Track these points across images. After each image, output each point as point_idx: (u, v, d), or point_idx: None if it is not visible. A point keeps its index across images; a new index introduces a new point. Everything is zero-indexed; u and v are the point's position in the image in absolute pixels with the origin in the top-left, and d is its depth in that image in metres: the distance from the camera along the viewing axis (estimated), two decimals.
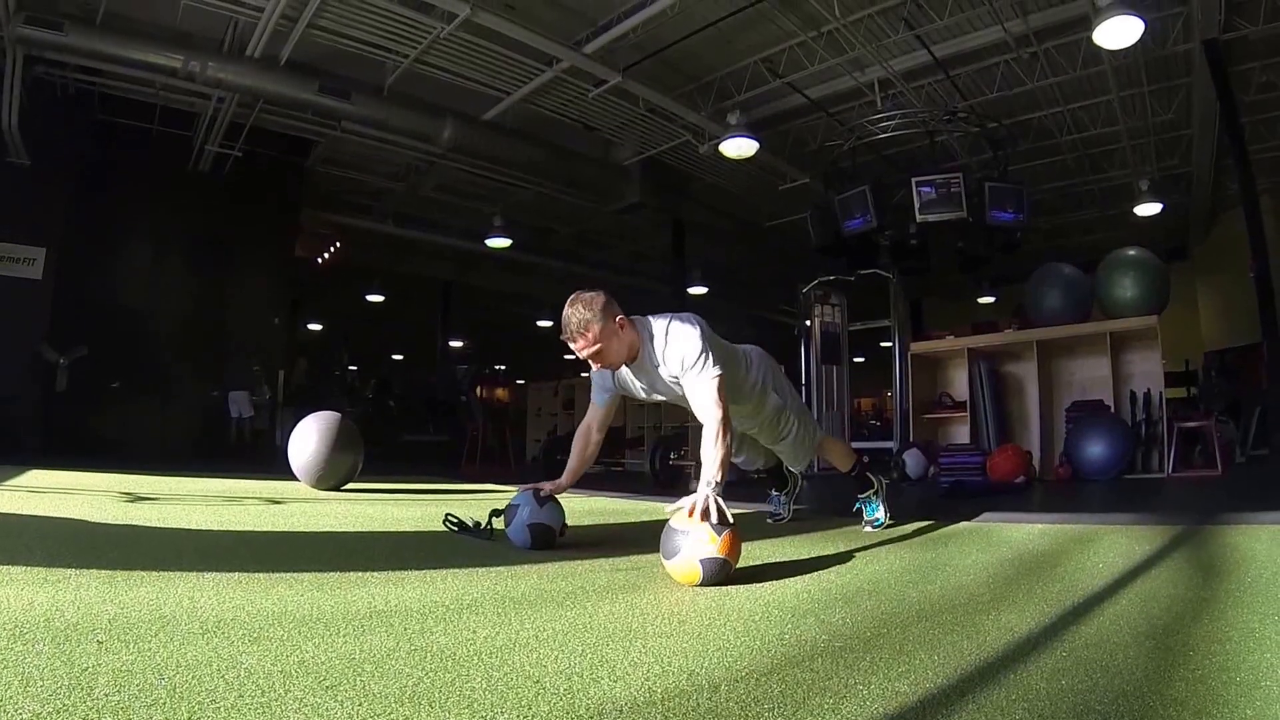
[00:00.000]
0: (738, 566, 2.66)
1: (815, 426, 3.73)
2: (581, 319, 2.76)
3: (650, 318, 3.03)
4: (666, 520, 2.57)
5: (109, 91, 10.03)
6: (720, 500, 2.56)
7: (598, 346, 2.79)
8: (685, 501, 2.56)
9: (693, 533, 2.47)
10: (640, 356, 2.98)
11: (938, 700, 1.36)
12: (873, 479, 3.97)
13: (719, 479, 2.67)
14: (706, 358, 2.87)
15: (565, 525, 3.25)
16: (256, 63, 8.91)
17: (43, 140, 9.64)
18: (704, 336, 2.93)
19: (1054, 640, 1.77)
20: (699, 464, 2.79)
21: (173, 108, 10.59)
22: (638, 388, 3.16)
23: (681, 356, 2.88)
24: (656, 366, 2.97)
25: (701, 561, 2.44)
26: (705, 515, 2.48)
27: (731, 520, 2.53)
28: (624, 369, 3.06)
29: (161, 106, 10.52)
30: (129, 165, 10.71)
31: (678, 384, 3.00)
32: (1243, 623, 1.89)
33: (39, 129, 9.48)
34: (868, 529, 3.90)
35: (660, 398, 3.21)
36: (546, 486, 3.24)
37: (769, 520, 4.30)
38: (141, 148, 10.80)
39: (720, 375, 2.89)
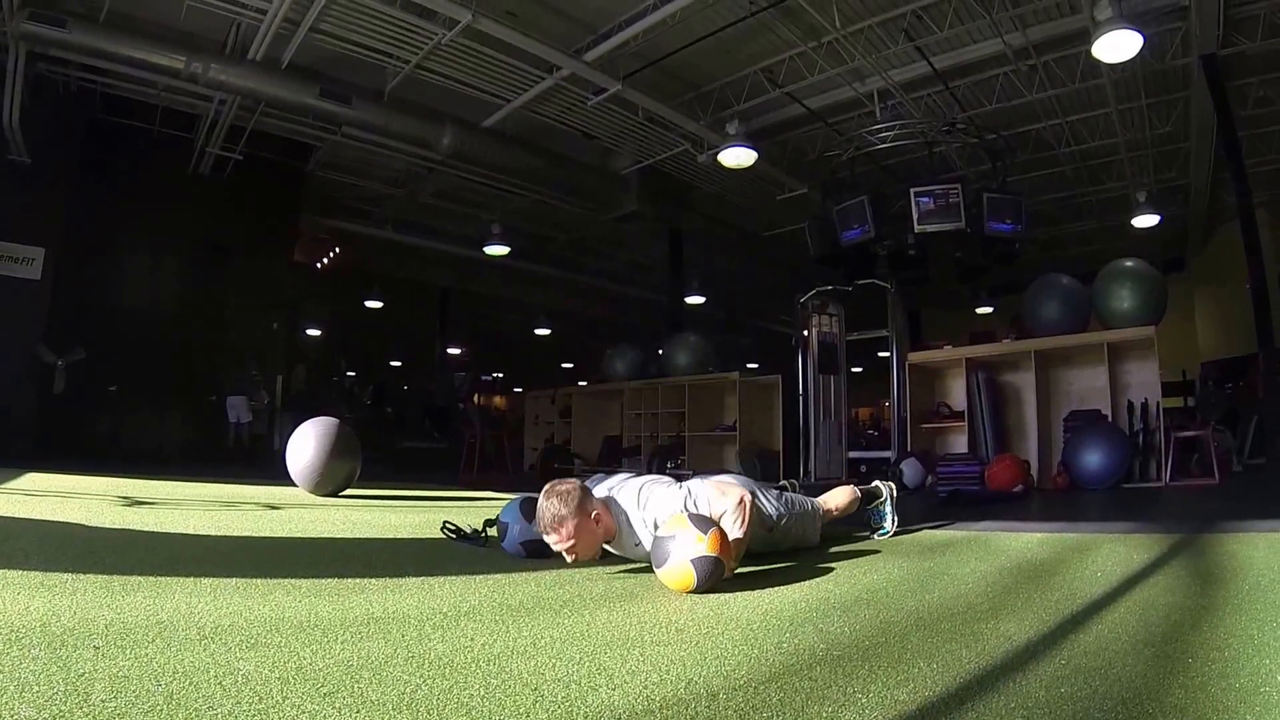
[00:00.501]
0: (734, 574, 2.66)
1: (805, 504, 3.63)
2: (556, 514, 2.76)
3: (620, 497, 3.02)
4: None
5: (111, 91, 10.03)
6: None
7: (573, 541, 2.80)
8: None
9: (679, 535, 2.48)
10: (618, 539, 2.99)
11: (937, 709, 1.36)
12: (881, 487, 3.97)
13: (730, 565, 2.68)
14: (688, 495, 2.94)
15: None
16: (258, 65, 8.92)
17: (43, 138, 9.62)
18: (673, 486, 3.02)
19: (1053, 648, 1.76)
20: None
21: (174, 109, 10.60)
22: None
23: (669, 510, 2.88)
24: (637, 545, 2.96)
25: (693, 562, 2.43)
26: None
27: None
28: (608, 547, 3.06)
29: (163, 108, 10.53)
30: (129, 166, 10.70)
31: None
32: (1241, 630, 1.89)
33: (40, 127, 9.46)
34: (875, 535, 3.91)
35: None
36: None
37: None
38: (142, 149, 10.80)
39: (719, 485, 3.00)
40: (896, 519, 3.97)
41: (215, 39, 8.89)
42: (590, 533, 2.84)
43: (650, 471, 8.84)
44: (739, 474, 3.59)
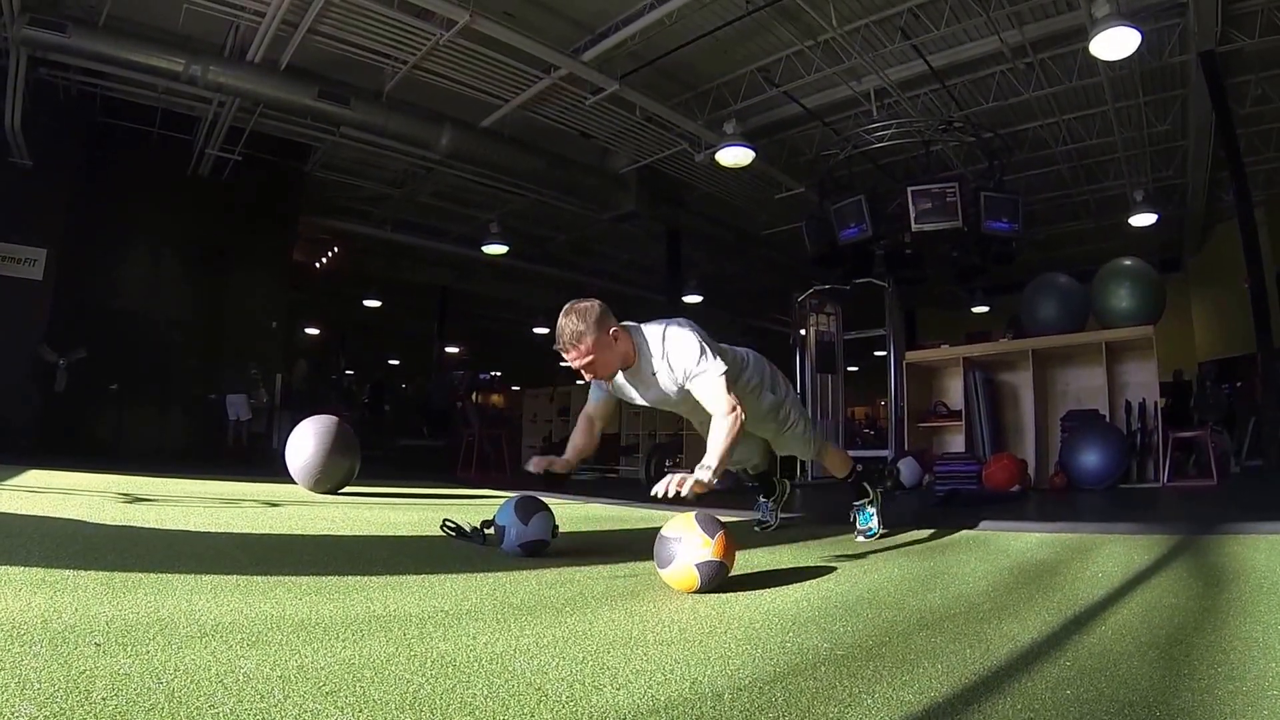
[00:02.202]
0: (735, 573, 2.66)
1: (813, 423, 3.73)
2: (575, 330, 2.74)
3: (644, 326, 3.03)
4: (660, 528, 2.56)
5: (111, 94, 10.03)
6: (712, 481, 2.57)
7: (590, 358, 2.78)
8: (673, 479, 2.53)
9: (685, 538, 2.46)
10: (636, 365, 2.97)
11: (943, 710, 1.36)
12: (868, 489, 3.96)
13: (715, 465, 2.66)
14: (708, 357, 2.89)
15: (557, 527, 3.22)
16: (257, 67, 8.91)
17: (44, 142, 9.63)
18: (701, 339, 2.95)
19: (1057, 650, 1.76)
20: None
21: (174, 111, 10.60)
22: (634, 394, 3.15)
23: (684, 361, 2.89)
24: (654, 374, 2.96)
25: (697, 566, 2.43)
26: (679, 485, 2.49)
27: (715, 484, 2.59)
28: (620, 377, 3.05)
29: (162, 110, 10.54)
30: (130, 168, 10.72)
31: (676, 391, 3.00)
32: (1245, 632, 1.89)
33: (41, 130, 9.47)
34: (860, 538, 3.89)
35: (654, 404, 3.21)
36: (558, 464, 3.21)
37: (756, 528, 4.28)
38: (142, 151, 10.81)
39: (726, 371, 2.91)
40: (881, 522, 3.96)
41: (214, 41, 8.87)
42: (609, 350, 2.83)
43: (649, 470, 8.86)
44: (759, 354, 3.56)
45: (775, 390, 3.53)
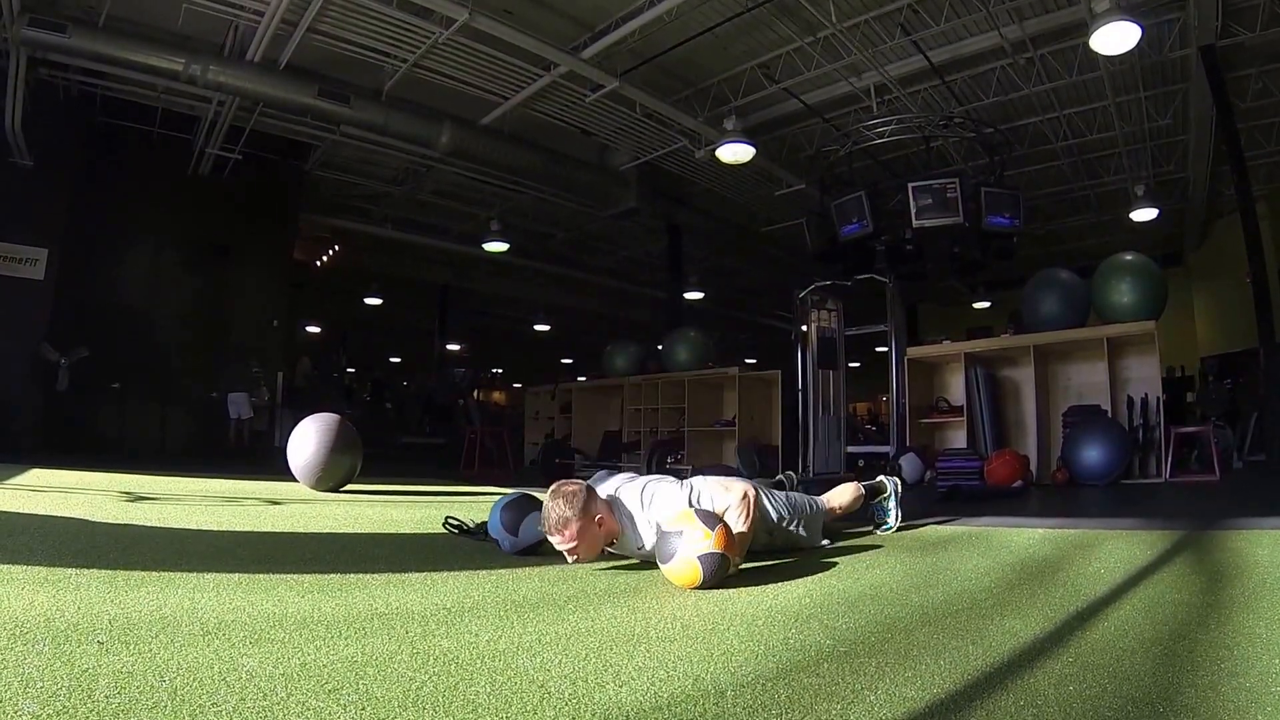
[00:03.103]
0: (739, 570, 2.66)
1: (808, 504, 3.60)
2: (561, 516, 2.76)
3: (621, 495, 3.03)
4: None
5: (111, 94, 10.03)
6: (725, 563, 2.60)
7: (575, 543, 2.79)
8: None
9: (686, 531, 2.48)
10: (621, 539, 2.99)
11: (946, 706, 1.36)
12: (886, 483, 3.97)
13: (739, 559, 2.73)
14: (700, 489, 3.01)
15: None
16: (257, 66, 8.90)
17: (45, 142, 9.65)
18: (675, 483, 3.06)
19: (1060, 646, 1.76)
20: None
21: (174, 111, 10.62)
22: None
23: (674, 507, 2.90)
24: (640, 548, 2.95)
25: (700, 559, 2.43)
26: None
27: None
28: (609, 549, 3.06)
29: (162, 110, 10.56)
30: (130, 168, 10.78)
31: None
32: (1249, 628, 1.89)
33: (41, 131, 9.50)
34: (878, 531, 3.90)
35: None
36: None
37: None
38: (143, 150, 10.87)
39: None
40: (900, 514, 3.97)
41: (213, 41, 8.87)
42: (593, 535, 2.84)
43: (650, 466, 8.86)
44: (739, 470, 3.57)
45: (773, 504, 3.41)
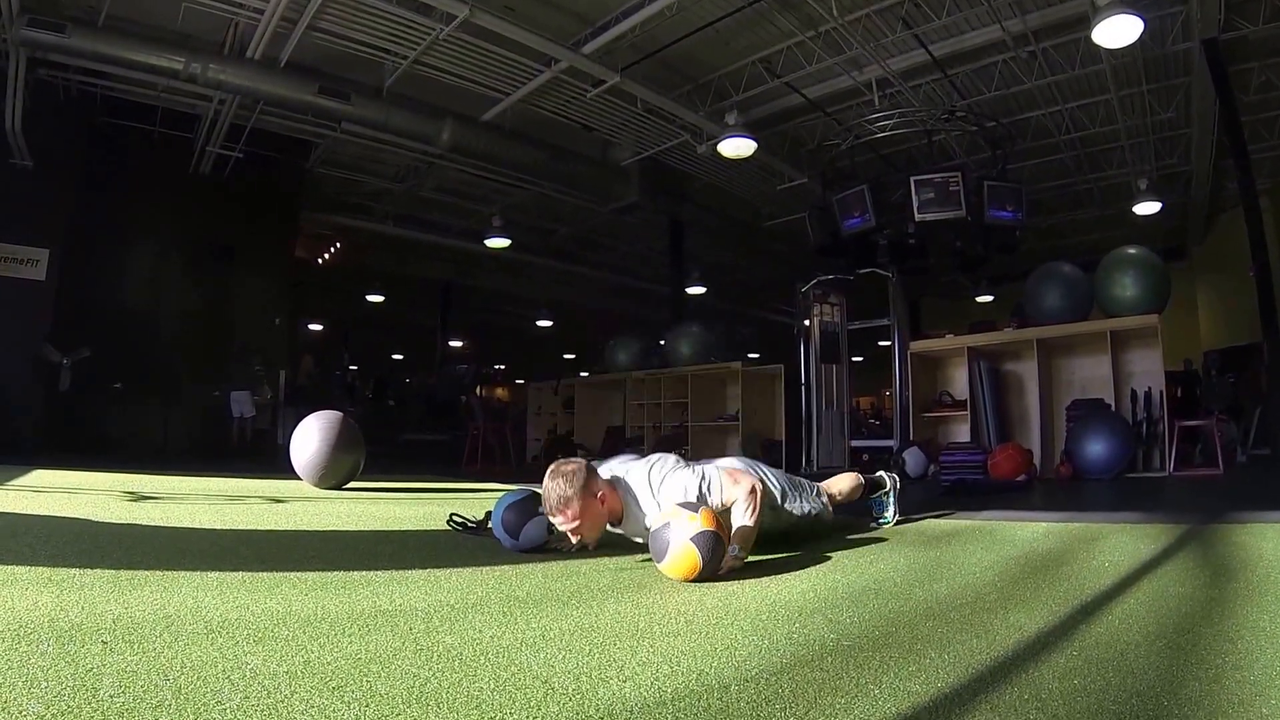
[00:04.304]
0: (745, 563, 2.65)
1: (808, 487, 3.62)
2: (561, 495, 2.73)
3: (628, 475, 3.00)
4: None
5: (111, 94, 10.06)
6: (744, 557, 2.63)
7: (578, 522, 2.78)
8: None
9: (674, 522, 2.47)
10: (625, 518, 2.97)
11: (951, 700, 1.35)
12: (885, 478, 3.97)
13: (744, 551, 2.73)
14: (708, 476, 2.93)
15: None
16: (257, 64, 8.91)
17: (45, 142, 9.68)
18: (683, 470, 2.98)
19: (1064, 639, 1.75)
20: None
21: (174, 110, 10.64)
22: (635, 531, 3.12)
23: (684, 497, 2.85)
24: (647, 527, 2.89)
25: (693, 540, 2.42)
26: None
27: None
28: (612, 529, 3.04)
29: (163, 109, 10.59)
30: (131, 167, 10.78)
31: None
32: (1253, 621, 1.88)
33: (42, 131, 9.52)
34: (873, 525, 3.90)
35: None
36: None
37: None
38: (143, 150, 10.87)
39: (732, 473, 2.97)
40: (898, 510, 3.98)
41: (213, 39, 8.88)
42: (596, 513, 2.82)
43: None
44: (740, 455, 3.56)
45: (766, 480, 3.41)
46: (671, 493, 2.86)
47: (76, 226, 10.15)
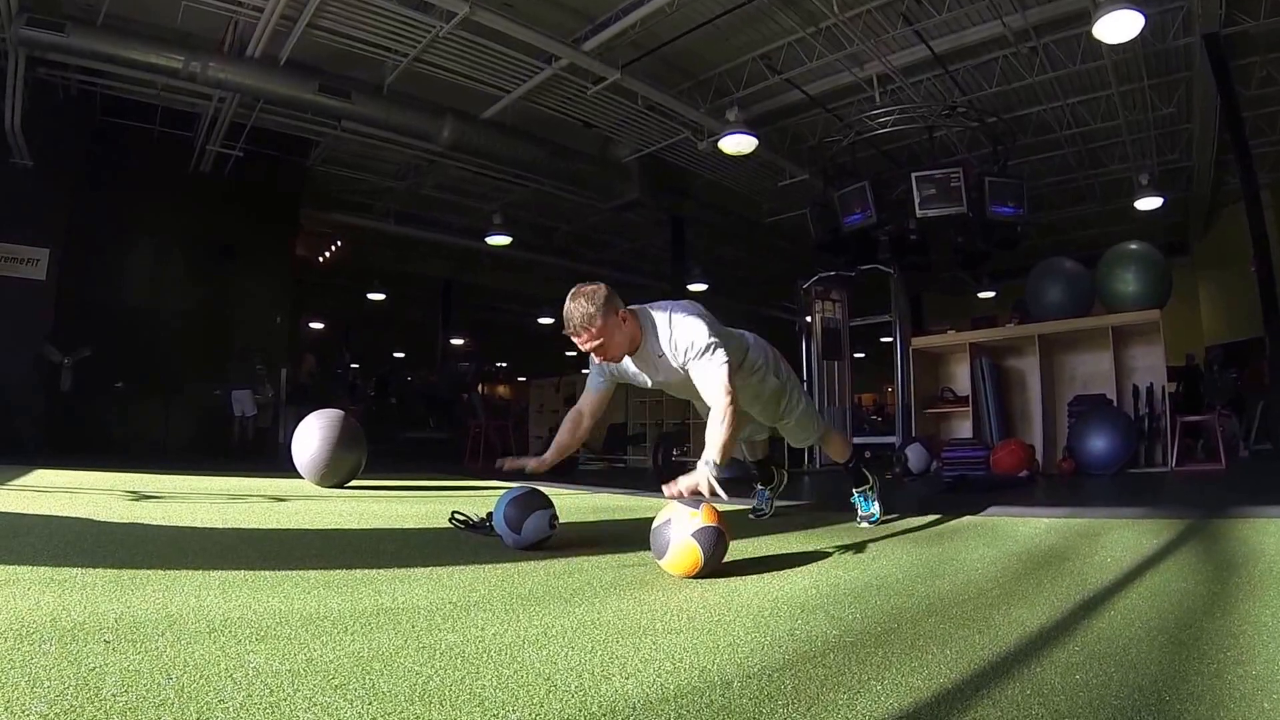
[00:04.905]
0: (742, 559, 2.65)
1: (816, 409, 3.73)
2: (585, 313, 2.74)
3: (651, 308, 3.03)
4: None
5: (111, 93, 10.06)
6: (714, 480, 2.55)
7: (600, 341, 2.78)
8: (682, 481, 2.55)
9: (674, 518, 2.45)
10: (642, 347, 2.98)
11: (953, 695, 1.35)
12: (868, 475, 3.95)
13: (718, 459, 2.66)
14: (714, 345, 2.88)
15: (556, 517, 3.13)
16: (257, 63, 8.91)
17: (45, 141, 9.70)
18: (708, 324, 2.94)
19: (1066, 635, 1.75)
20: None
21: (174, 109, 10.65)
22: (640, 378, 3.15)
23: (689, 345, 2.89)
24: (660, 357, 2.96)
25: (694, 535, 2.40)
26: (695, 491, 2.50)
27: (725, 497, 2.54)
28: (627, 360, 3.05)
29: (163, 108, 10.59)
30: (131, 166, 10.79)
31: (683, 371, 2.99)
32: (1255, 616, 1.88)
33: (41, 130, 9.53)
34: (863, 524, 3.89)
35: (661, 386, 3.22)
36: (531, 463, 3.27)
37: (750, 515, 4.25)
38: (143, 149, 10.88)
39: (728, 362, 2.89)
40: (881, 507, 3.97)
41: (213, 38, 8.87)
42: (619, 331, 2.84)
43: (657, 459, 8.86)
44: (757, 336, 3.57)
45: (778, 374, 3.54)
46: (681, 341, 2.90)
47: (77, 226, 10.16)
